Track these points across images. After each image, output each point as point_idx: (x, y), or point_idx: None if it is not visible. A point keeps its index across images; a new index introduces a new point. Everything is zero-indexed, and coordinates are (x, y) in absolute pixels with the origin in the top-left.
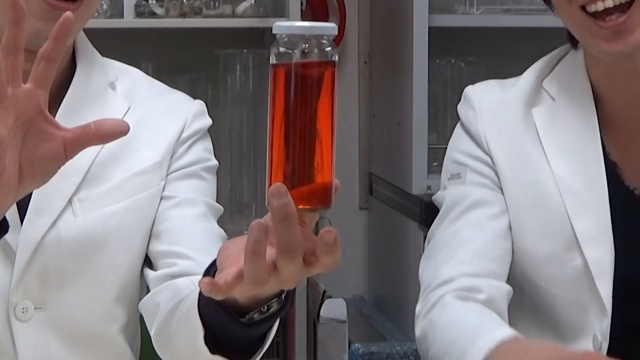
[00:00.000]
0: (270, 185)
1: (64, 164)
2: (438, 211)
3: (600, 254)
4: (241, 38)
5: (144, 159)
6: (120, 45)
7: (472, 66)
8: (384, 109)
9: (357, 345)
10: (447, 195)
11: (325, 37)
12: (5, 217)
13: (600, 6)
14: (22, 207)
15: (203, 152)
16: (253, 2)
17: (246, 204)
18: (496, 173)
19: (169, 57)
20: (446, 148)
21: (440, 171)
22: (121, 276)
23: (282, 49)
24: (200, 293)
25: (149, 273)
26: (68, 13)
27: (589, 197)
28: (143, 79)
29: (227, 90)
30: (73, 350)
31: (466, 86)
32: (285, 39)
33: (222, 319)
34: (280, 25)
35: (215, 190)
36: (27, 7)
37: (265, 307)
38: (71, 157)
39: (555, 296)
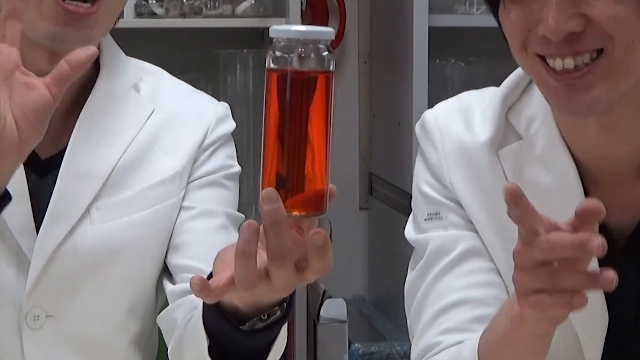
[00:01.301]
0: (263, 190)
1: (54, 107)
2: None
3: (589, 323)
4: (241, 38)
5: (165, 168)
6: (120, 45)
7: (472, 66)
8: (384, 109)
9: (357, 345)
10: (430, 239)
11: (323, 42)
12: (7, 189)
13: (558, 64)
14: (39, 213)
15: (225, 158)
16: (253, 2)
17: (246, 203)
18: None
19: (169, 57)
20: None
21: None
22: (135, 288)
23: (278, 53)
24: (204, 303)
25: (168, 286)
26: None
27: None
28: (167, 79)
29: (227, 90)
30: None
31: (466, 86)
32: (282, 43)
33: (223, 327)
34: (277, 29)
35: (237, 197)
36: (41, 9)
37: (266, 315)
38: (59, 99)
39: None
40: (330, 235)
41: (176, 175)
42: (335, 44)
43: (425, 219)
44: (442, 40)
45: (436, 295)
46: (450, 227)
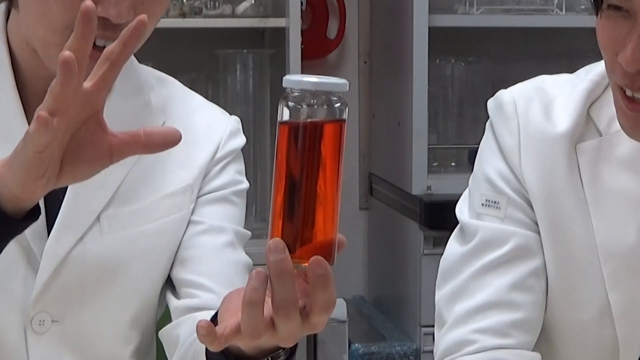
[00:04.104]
0: (270, 239)
1: (106, 167)
2: (438, 212)
3: (632, 330)
4: (241, 38)
5: (176, 180)
6: None
7: (472, 66)
8: (384, 109)
9: (357, 345)
10: (481, 228)
11: (336, 94)
12: (37, 203)
13: (629, 92)
14: (51, 219)
15: (235, 174)
16: (253, 2)
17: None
18: (534, 212)
19: (169, 57)
20: (446, 148)
21: (441, 171)
22: (141, 298)
23: (290, 104)
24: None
25: (172, 300)
26: (142, 16)
27: (631, 266)
28: (179, 91)
29: (227, 90)
30: None
31: (466, 86)
32: (295, 94)
33: None
34: (290, 80)
35: (244, 214)
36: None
37: (270, 358)
38: (116, 162)
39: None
40: None
41: (187, 188)
42: (335, 44)
43: (482, 204)
44: (442, 40)
45: (476, 289)
46: (507, 219)
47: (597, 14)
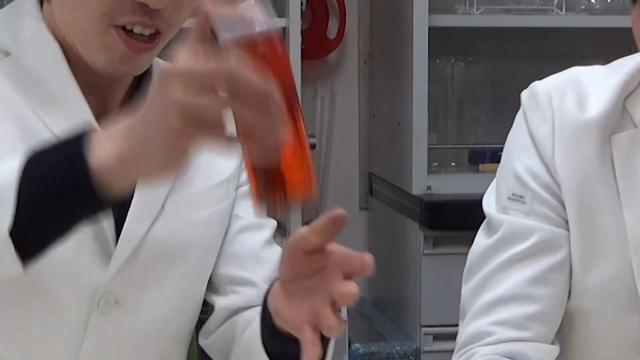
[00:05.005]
0: None
1: None
2: (438, 212)
3: None
4: None
5: (221, 170)
6: None
7: (472, 66)
8: (384, 109)
9: (357, 345)
10: (505, 222)
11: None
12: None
13: None
14: (122, 205)
15: None
16: (253, 2)
17: None
18: (563, 205)
19: (170, 57)
20: (446, 148)
21: (441, 171)
22: (196, 286)
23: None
24: (262, 330)
25: (217, 299)
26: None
27: None
28: None
29: None
30: (130, 353)
31: (466, 86)
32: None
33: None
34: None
35: None
36: (102, 39)
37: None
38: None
39: (598, 351)
40: None
41: (230, 178)
42: (335, 44)
43: (509, 198)
44: (442, 40)
45: (498, 282)
46: (532, 214)
47: (633, 3)
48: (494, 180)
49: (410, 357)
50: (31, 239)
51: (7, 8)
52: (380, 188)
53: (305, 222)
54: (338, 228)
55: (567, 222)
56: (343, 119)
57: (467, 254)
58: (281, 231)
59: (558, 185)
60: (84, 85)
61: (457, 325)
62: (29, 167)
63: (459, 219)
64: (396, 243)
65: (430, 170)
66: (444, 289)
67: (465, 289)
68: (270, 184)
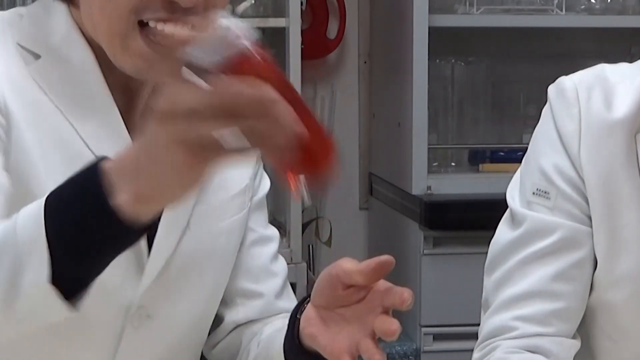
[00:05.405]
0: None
1: None
2: (438, 212)
3: None
4: None
5: (237, 180)
6: None
7: (472, 66)
8: (384, 109)
9: None
10: (529, 217)
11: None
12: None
13: None
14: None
15: (265, 175)
16: (253, 2)
17: None
18: (587, 202)
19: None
20: (446, 148)
21: (441, 171)
22: (216, 297)
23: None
24: (285, 343)
25: (223, 311)
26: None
27: None
28: None
29: None
30: None
31: (466, 86)
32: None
33: None
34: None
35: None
36: (126, 43)
37: None
38: None
39: (619, 345)
40: (330, 235)
41: (246, 189)
42: (335, 44)
43: (533, 193)
44: (442, 40)
45: (520, 278)
46: (556, 210)
47: None
48: (517, 173)
49: (410, 357)
50: (73, 281)
51: (33, 7)
52: (380, 188)
53: (306, 222)
54: (385, 273)
55: (590, 218)
56: (343, 119)
57: (467, 254)
58: (281, 231)
59: (583, 181)
60: (115, 86)
61: (457, 325)
62: (53, 218)
63: (459, 219)
64: (396, 243)
65: (430, 170)
66: (444, 289)
67: (488, 281)
68: (302, 172)
